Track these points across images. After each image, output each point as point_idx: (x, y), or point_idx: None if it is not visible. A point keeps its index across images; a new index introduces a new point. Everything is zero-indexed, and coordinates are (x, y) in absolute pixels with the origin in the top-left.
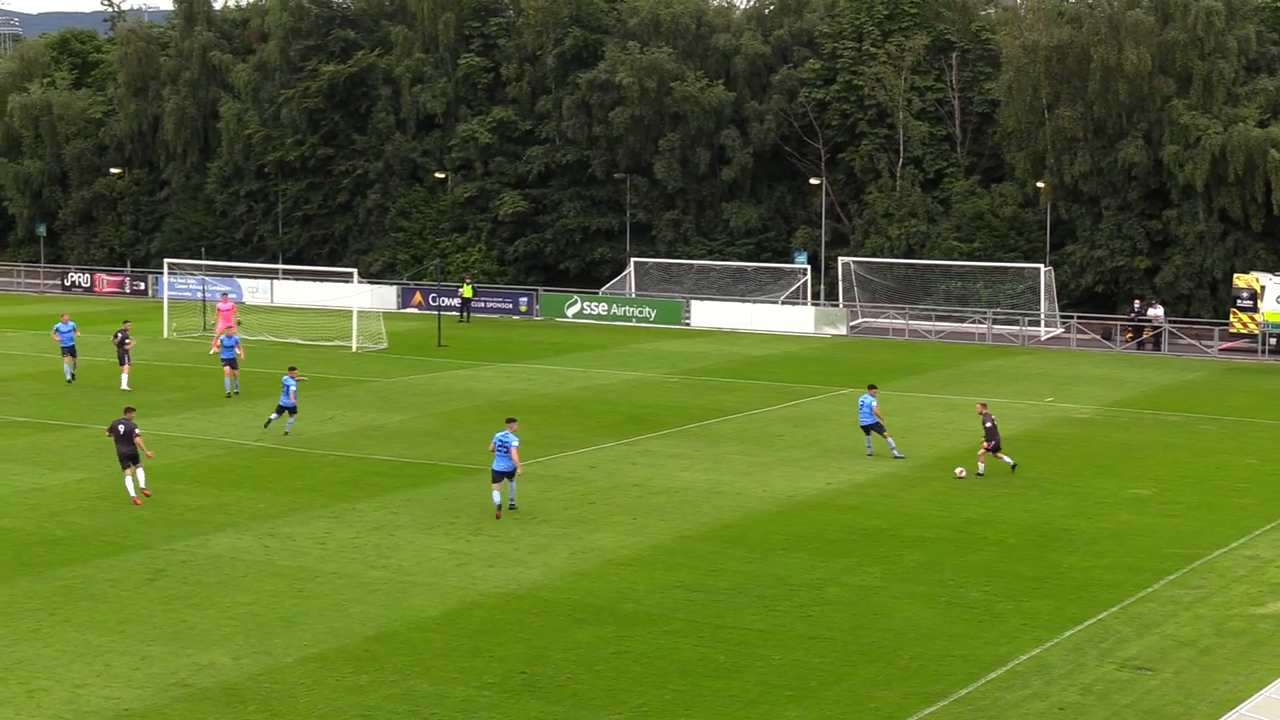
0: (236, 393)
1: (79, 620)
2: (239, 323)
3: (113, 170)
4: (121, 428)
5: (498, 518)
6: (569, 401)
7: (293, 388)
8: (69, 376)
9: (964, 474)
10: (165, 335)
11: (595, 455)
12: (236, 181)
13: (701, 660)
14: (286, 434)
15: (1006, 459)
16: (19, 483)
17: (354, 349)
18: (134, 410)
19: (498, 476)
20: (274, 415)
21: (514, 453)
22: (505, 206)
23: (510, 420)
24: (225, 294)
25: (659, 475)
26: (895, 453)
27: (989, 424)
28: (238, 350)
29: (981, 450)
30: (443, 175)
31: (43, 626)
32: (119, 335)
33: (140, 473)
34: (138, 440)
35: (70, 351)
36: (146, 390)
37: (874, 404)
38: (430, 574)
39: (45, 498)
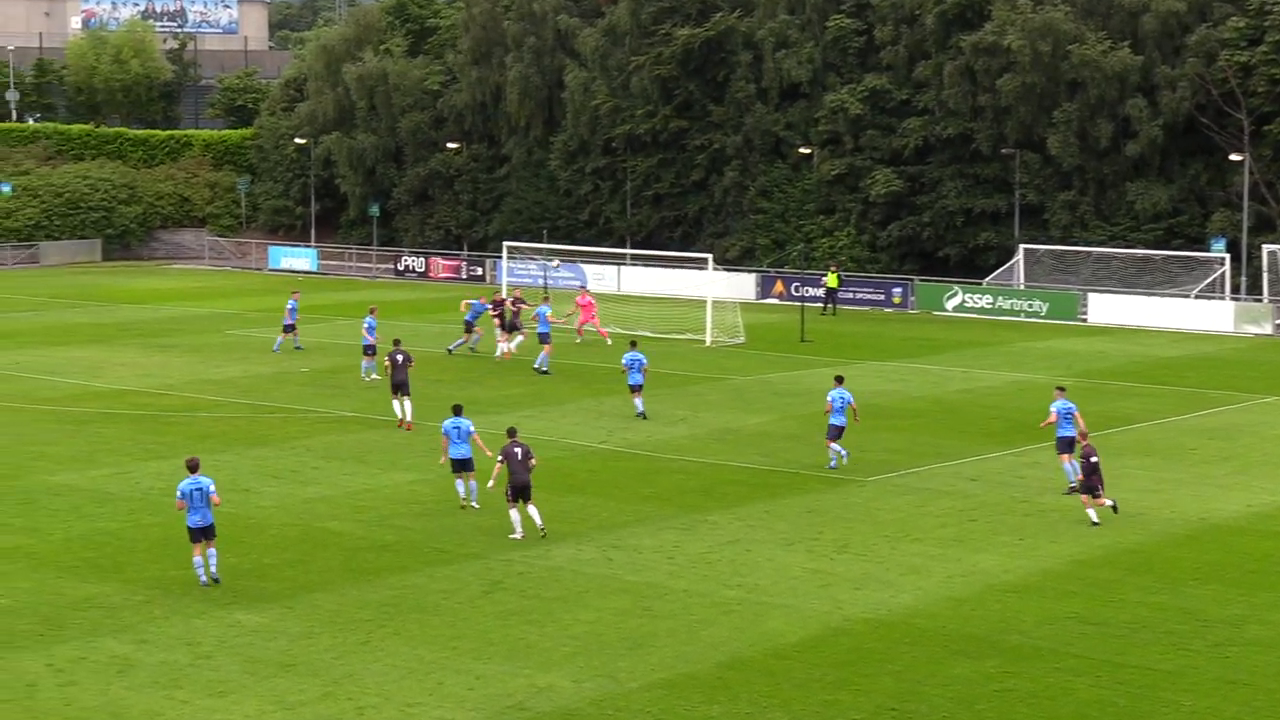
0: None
1: (410, 634)
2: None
3: (450, 145)
4: (400, 357)
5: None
6: (947, 405)
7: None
8: (366, 376)
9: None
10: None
11: (977, 467)
12: (582, 157)
13: (1099, 703)
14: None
15: (1107, 501)
16: (348, 483)
17: (707, 343)
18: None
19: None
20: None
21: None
22: (877, 186)
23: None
24: (584, 288)
25: (1050, 491)
26: None
27: (1092, 459)
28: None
29: (1084, 498)
30: (808, 150)
31: (373, 639)
32: (505, 304)
33: (408, 404)
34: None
35: (369, 350)
36: (479, 385)
37: None
38: (790, 595)
39: (375, 500)
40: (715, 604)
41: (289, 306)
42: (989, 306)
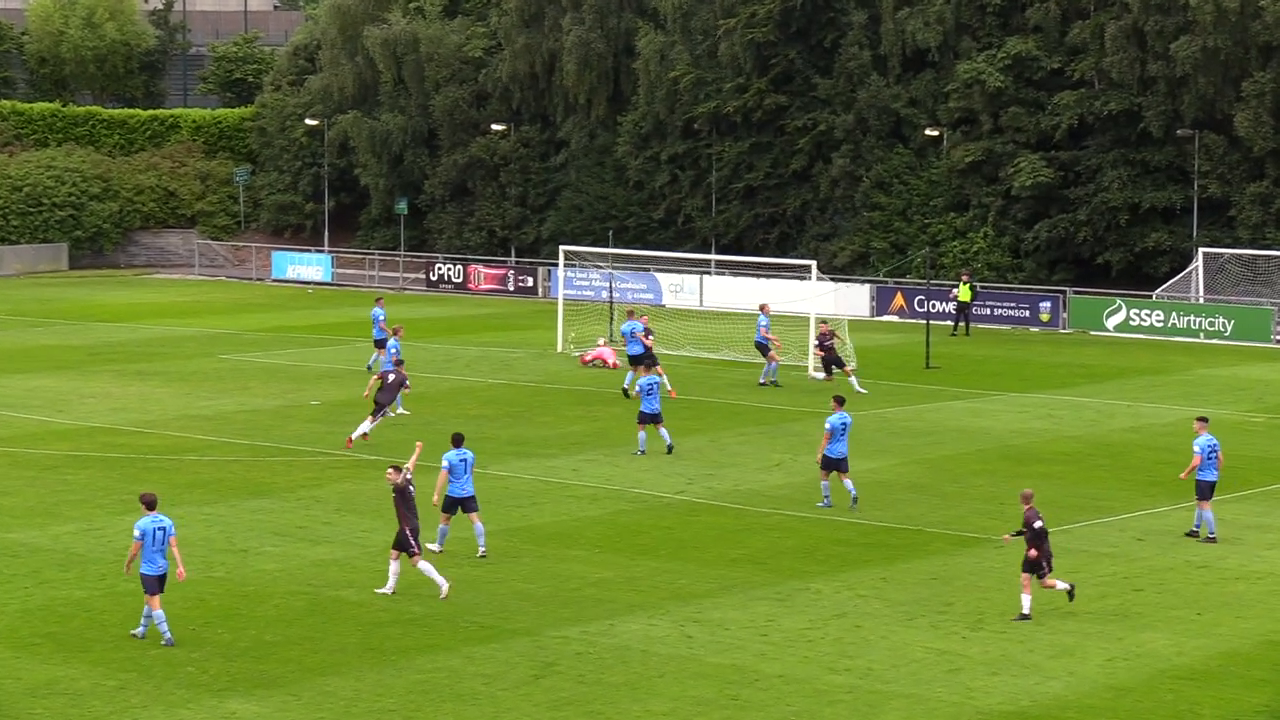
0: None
1: None
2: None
3: (495, 127)
4: (392, 377)
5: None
6: (1109, 448)
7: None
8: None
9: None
10: (559, 349)
11: (1145, 523)
12: (656, 142)
13: None
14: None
15: (1059, 584)
16: (368, 542)
17: (809, 371)
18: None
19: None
20: None
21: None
22: (1022, 176)
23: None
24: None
25: (1237, 554)
26: None
27: (1036, 524)
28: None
29: (1024, 578)
30: (936, 132)
31: None
32: (820, 340)
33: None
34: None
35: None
36: (529, 423)
37: None
38: (911, 682)
39: (401, 563)
40: (818, 692)
41: (376, 317)
42: (1161, 325)
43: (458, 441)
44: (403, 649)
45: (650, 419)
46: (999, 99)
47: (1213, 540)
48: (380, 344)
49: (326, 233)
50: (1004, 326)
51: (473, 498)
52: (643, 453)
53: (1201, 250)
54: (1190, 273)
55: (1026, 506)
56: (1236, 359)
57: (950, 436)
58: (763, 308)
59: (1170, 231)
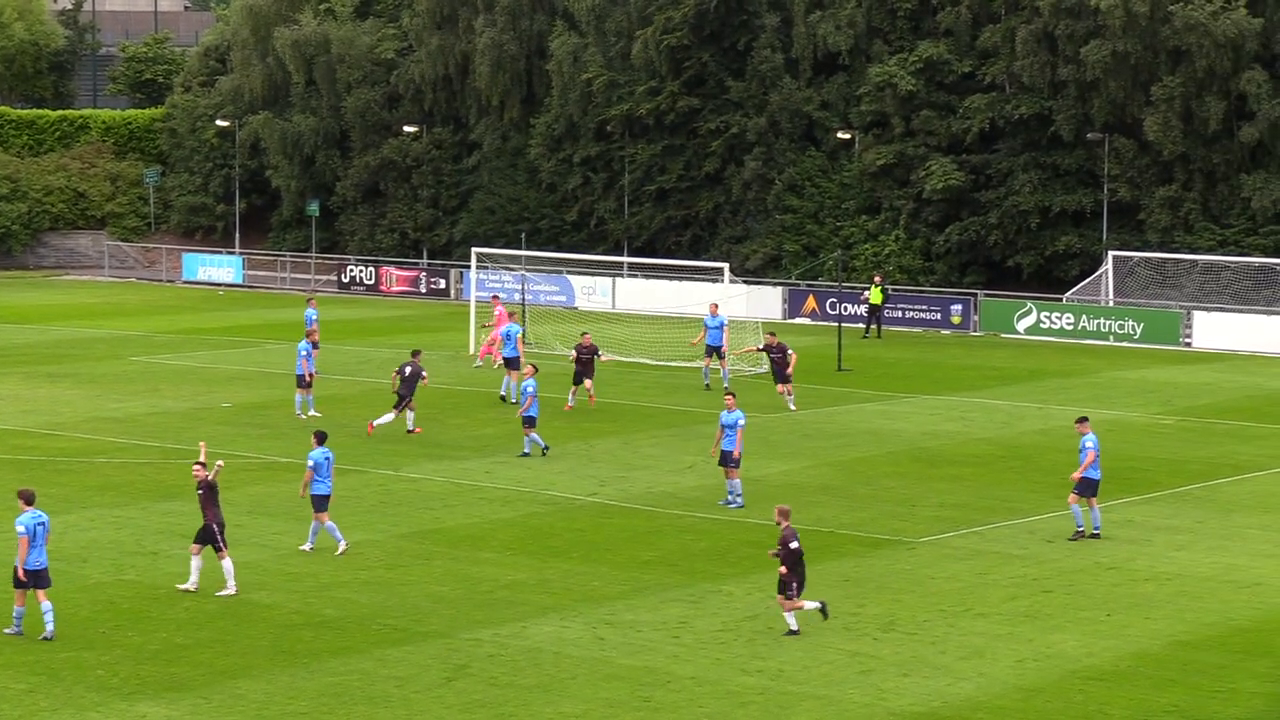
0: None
1: None
2: (524, 338)
3: (407, 129)
4: (409, 369)
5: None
6: (1019, 451)
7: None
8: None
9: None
10: (472, 351)
11: (1054, 525)
12: (569, 144)
13: None
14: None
15: (807, 604)
16: (280, 543)
17: (723, 374)
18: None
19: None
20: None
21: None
22: (934, 179)
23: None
24: (495, 296)
25: (1144, 555)
26: None
27: (792, 545)
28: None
29: (779, 599)
30: (848, 135)
31: None
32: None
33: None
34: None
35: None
36: (441, 425)
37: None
38: (823, 683)
39: (313, 565)
40: (730, 694)
41: (310, 318)
42: (1070, 328)
43: (321, 439)
44: (314, 651)
45: (528, 424)
46: (910, 102)
47: (1096, 536)
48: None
49: (238, 234)
50: (915, 329)
51: (329, 497)
52: (546, 449)
53: (1111, 253)
54: (1100, 276)
55: (784, 524)
56: (1146, 361)
57: (862, 438)
58: (714, 309)
59: (1080, 235)
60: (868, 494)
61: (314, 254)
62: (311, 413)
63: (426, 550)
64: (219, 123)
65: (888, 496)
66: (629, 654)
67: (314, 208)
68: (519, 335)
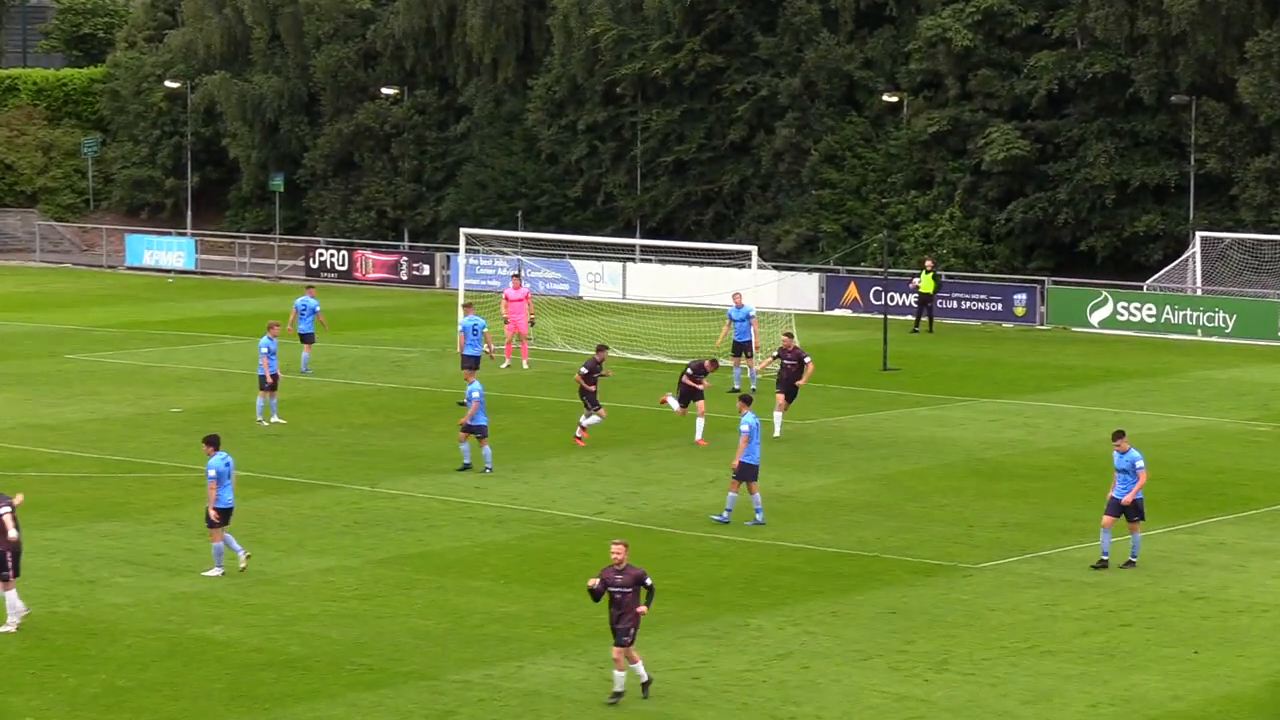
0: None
1: None
2: (533, 322)
3: (385, 91)
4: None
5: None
6: (1091, 462)
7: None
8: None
9: None
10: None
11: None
12: (573, 109)
13: None
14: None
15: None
16: (238, 570)
17: (752, 373)
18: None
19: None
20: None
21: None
22: (994, 148)
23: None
24: (516, 275)
25: (1238, 583)
26: None
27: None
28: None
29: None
30: (895, 98)
31: None
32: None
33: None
34: None
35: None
36: (425, 433)
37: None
38: None
39: (276, 596)
40: None
41: (304, 308)
42: (1152, 320)
43: (215, 444)
44: (276, 696)
45: (474, 431)
46: (967, 60)
47: (1132, 564)
48: (307, 339)
49: (190, 213)
50: (973, 322)
51: (231, 510)
52: (467, 466)
53: (1199, 234)
54: (1186, 260)
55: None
56: (1239, 359)
57: (911, 449)
58: (738, 299)
59: (1163, 213)
60: (918, 513)
61: (278, 236)
62: (275, 419)
63: (408, 578)
64: (168, 84)
65: (941, 516)
66: (641, 699)
67: (278, 182)
68: (485, 330)
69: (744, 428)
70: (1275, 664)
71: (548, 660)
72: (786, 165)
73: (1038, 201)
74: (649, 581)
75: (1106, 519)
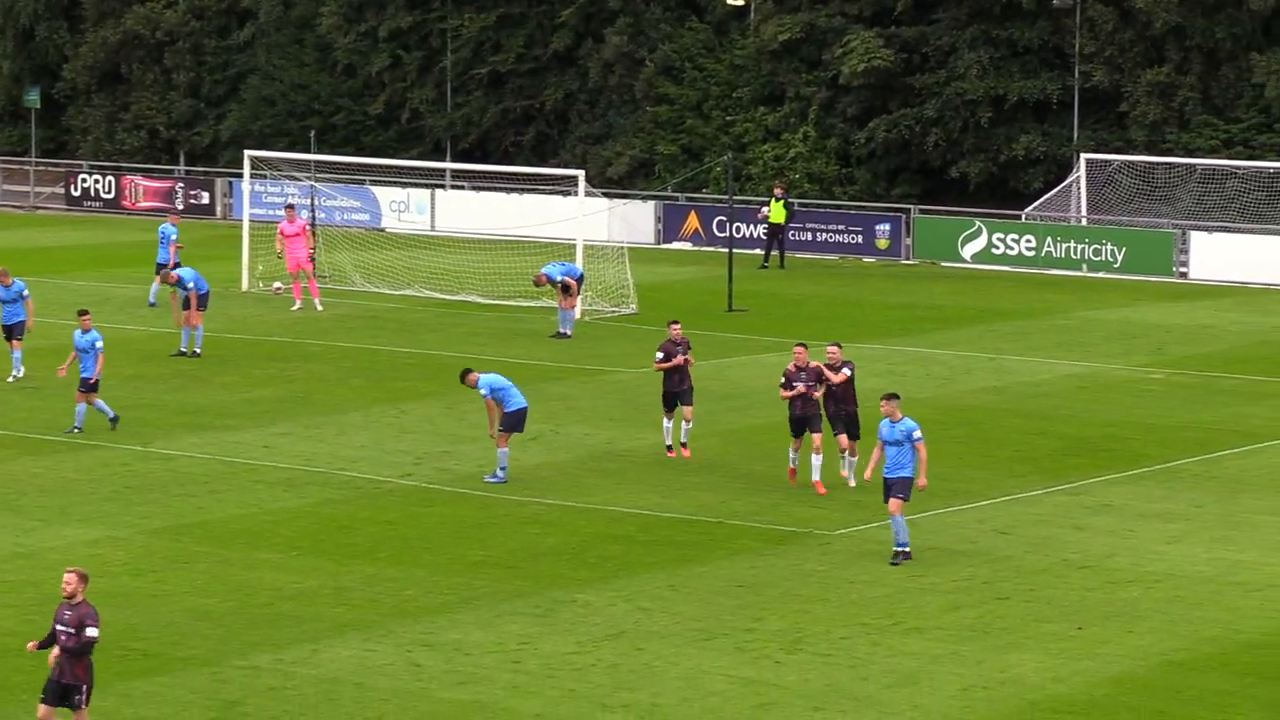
0: (196, 352)
1: None
2: (313, 257)
3: None
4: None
5: None
6: (965, 414)
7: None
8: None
9: None
10: (245, 286)
11: (1012, 511)
12: (372, 13)
13: None
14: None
15: None
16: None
17: (575, 315)
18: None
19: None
20: None
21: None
22: (853, 59)
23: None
24: (289, 207)
25: (1126, 550)
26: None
27: None
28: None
29: None
30: (740, 2)
31: None
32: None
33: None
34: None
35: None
36: (205, 385)
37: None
38: (708, 717)
39: (34, 571)
40: None
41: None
42: (1031, 254)
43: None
44: (34, 686)
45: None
46: None
47: (907, 555)
48: (162, 269)
49: None
50: (829, 256)
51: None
52: (78, 429)
53: (1084, 156)
54: (1070, 186)
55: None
56: (1129, 297)
57: (759, 400)
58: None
59: (1044, 133)
60: (767, 473)
61: (34, 159)
62: (16, 372)
63: (186, 550)
64: None
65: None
66: (454, 685)
67: (33, 97)
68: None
69: (483, 391)
70: (1167, 641)
71: (347, 643)
72: (618, 78)
73: (903, 119)
74: (90, 631)
75: (893, 503)
